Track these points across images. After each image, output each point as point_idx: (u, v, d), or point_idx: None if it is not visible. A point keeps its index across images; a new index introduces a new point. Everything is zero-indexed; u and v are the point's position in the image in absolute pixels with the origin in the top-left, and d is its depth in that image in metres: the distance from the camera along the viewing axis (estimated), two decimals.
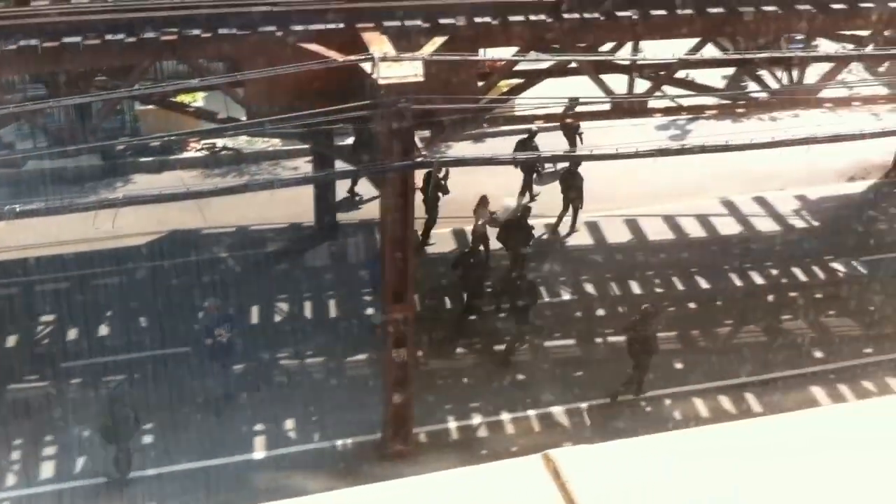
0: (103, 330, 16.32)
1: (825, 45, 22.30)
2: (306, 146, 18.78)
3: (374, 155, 12.76)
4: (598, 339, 16.87)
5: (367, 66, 12.08)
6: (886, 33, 16.85)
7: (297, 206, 18.61)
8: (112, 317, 16.62)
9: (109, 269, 17.60)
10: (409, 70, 12.07)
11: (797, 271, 18.87)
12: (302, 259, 18.50)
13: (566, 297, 17.90)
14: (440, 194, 18.27)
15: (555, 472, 1.92)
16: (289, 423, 14.62)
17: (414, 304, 13.88)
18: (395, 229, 12.71)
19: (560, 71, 16.82)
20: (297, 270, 18.12)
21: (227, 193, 12.80)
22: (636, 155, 17.31)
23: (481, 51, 15.61)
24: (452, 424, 14.91)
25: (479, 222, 17.78)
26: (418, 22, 13.63)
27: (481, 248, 17.75)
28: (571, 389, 15.51)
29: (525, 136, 19.22)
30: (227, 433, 14.24)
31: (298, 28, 13.19)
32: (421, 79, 12.00)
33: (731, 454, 2.13)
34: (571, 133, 20.67)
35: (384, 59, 12.09)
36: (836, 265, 19.02)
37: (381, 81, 11.76)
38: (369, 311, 16.48)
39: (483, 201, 17.87)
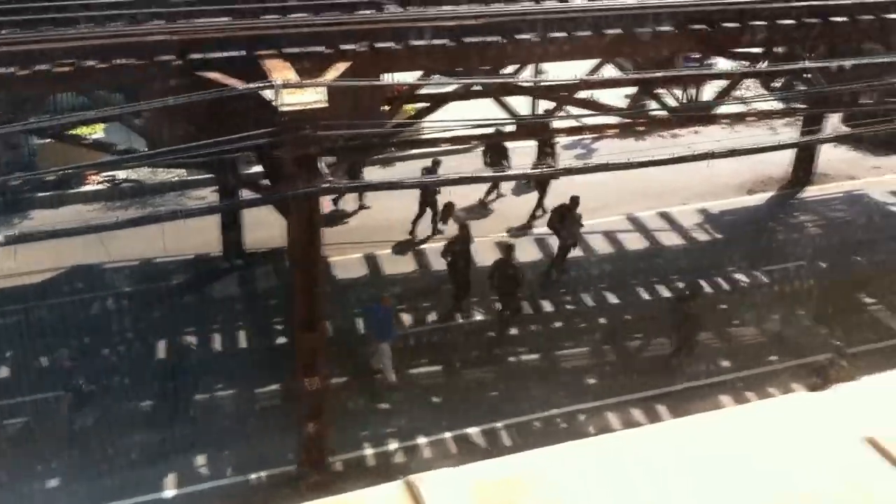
0: (2, 371, 15.79)
1: (720, 63, 23.07)
2: (210, 175, 18.54)
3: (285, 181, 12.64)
4: (513, 359, 16.97)
5: (269, 94, 11.97)
6: (778, 50, 17.49)
7: (204, 236, 18.32)
8: (9, 358, 16.09)
9: (7, 308, 17.04)
10: (312, 97, 12.01)
11: (702, 283, 19.29)
12: (210, 290, 18.19)
13: (480, 317, 17.97)
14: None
15: (414, 498, 1.91)
16: (200, 460, 14.30)
17: (325, 332, 13.77)
18: (304, 256, 12.61)
19: (465, 94, 16.99)
20: (204, 302, 17.80)
21: (130, 226, 12.47)
22: (543, 174, 17.62)
23: (386, 76, 15.67)
24: (369, 451, 14.79)
25: (460, 217, 19.08)
26: (321, 48, 13.59)
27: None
28: (486, 409, 15.55)
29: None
30: (133, 473, 13.83)
31: (198, 56, 13.03)
32: (324, 105, 11.94)
33: (606, 469, 2.15)
34: (546, 146, 20.95)
35: (286, 85, 12.00)
36: (740, 276, 19.53)
37: (283, 108, 11.67)
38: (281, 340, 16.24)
39: (448, 207, 19.02)
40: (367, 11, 14.58)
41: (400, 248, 19.79)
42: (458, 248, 17.65)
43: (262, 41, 13.38)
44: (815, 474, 2.23)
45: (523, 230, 20.25)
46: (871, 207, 22.31)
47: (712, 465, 2.27)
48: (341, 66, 13.36)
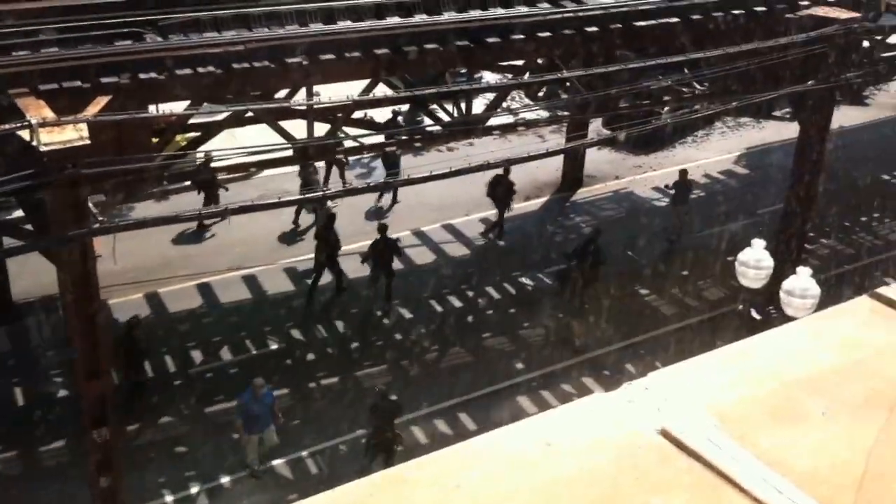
0: None
1: (487, 77, 23.82)
2: None
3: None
4: (312, 384, 16.76)
5: (25, 134, 11.24)
6: (539, 61, 18.27)
7: None
8: None
9: None
10: (72, 134, 11.38)
11: (491, 290, 19.84)
12: None
13: (274, 346, 17.66)
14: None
15: None
16: None
17: (111, 380, 13.06)
18: (80, 302, 11.90)
19: (237, 120, 16.62)
20: None
21: None
22: (325, 196, 17.52)
23: (153, 107, 15.09)
24: (170, 498, 14.16)
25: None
26: (79, 83, 12.91)
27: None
28: (291, 439, 15.27)
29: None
30: None
31: None
32: (87, 142, 11.35)
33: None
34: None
35: (43, 124, 11.30)
36: (525, 279, 20.20)
37: (42, 149, 10.98)
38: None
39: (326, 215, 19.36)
40: (127, 42, 13.96)
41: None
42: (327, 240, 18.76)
43: (14, 79, 12.54)
44: (616, 470, 2.29)
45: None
46: (637, 204, 23.69)
47: (518, 477, 2.28)
48: (102, 101, 12.75)
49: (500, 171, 20.07)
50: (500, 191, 21.17)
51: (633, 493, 2.22)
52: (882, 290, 3.32)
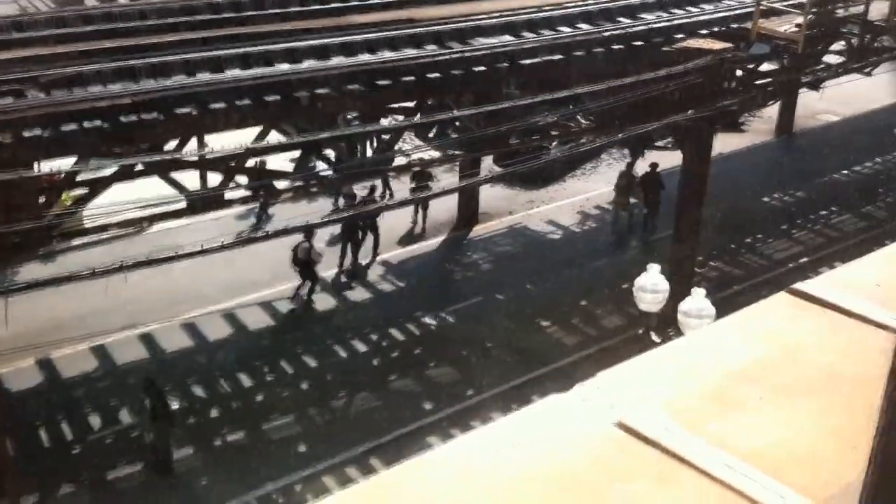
0: None
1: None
2: None
3: None
4: (218, 442, 16.37)
5: None
6: (430, 102, 18.53)
7: None
8: None
9: None
10: None
11: (395, 332, 19.81)
12: None
13: (175, 405, 17.20)
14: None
15: None
16: None
17: (7, 452, 12.53)
18: None
19: (127, 175, 16.29)
20: None
21: None
22: (221, 248, 17.25)
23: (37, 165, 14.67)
24: None
25: None
26: None
27: None
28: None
29: None
30: None
31: None
32: None
33: None
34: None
35: None
36: (428, 319, 20.25)
37: None
38: None
39: None
40: (8, 99, 13.58)
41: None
42: None
43: None
44: (580, 463, 2.36)
45: None
46: (532, 238, 24.10)
47: (492, 476, 2.32)
48: None
49: None
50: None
51: (598, 482, 2.31)
52: (797, 285, 3.50)
